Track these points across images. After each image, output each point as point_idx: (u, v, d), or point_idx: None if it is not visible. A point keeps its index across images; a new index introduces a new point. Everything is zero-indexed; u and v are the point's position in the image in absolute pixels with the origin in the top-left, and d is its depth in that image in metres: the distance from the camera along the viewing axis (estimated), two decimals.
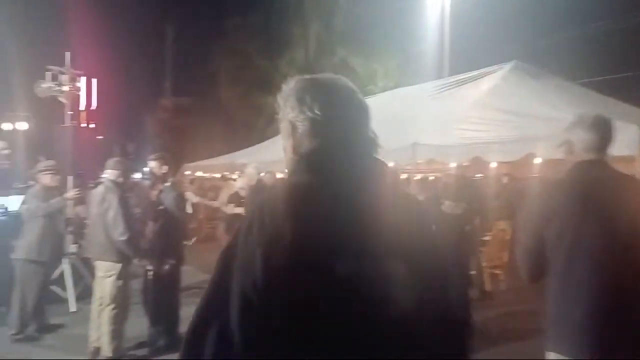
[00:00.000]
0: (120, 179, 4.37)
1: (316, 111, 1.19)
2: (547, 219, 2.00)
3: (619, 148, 2.25)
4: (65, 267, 5.81)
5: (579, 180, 2.05)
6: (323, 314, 1.04)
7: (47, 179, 4.99)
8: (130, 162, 4.75)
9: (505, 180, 8.94)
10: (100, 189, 4.38)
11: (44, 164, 5.29)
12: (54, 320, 5.29)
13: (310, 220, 1.07)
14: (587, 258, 1.93)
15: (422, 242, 1.17)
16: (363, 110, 1.31)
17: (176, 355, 3.82)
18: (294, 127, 1.25)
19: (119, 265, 4.21)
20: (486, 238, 7.23)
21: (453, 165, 6.74)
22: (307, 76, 1.31)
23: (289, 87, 1.30)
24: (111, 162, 4.48)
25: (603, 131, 2.06)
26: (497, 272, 7.06)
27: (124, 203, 4.22)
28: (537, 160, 6.01)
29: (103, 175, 4.88)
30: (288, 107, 1.27)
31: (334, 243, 1.06)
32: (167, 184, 4.72)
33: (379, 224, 1.08)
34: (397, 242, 1.09)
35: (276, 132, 14.36)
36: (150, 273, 4.48)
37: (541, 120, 5.75)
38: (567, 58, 13.08)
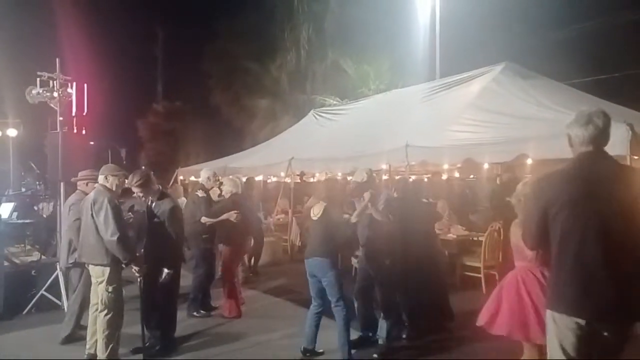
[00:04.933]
0: (110, 184, 4.37)
1: None
2: (549, 204, 2.34)
3: (609, 147, 2.38)
4: (59, 273, 5.78)
5: (575, 169, 2.36)
6: None
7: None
8: (122, 169, 4.74)
9: (498, 181, 8.98)
10: (92, 193, 4.40)
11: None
12: (49, 327, 5.24)
13: None
14: (581, 235, 2.26)
15: None
16: None
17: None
18: None
19: (108, 270, 4.21)
20: (481, 239, 7.26)
21: (446, 166, 6.78)
22: None
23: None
24: (103, 167, 4.50)
25: (596, 124, 2.32)
26: (493, 272, 7.09)
27: (115, 205, 4.23)
28: (529, 161, 6.05)
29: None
30: None
31: None
32: (157, 195, 4.70)
33: None
34: None
35: (268, 137, 14.39)
36: (139, 278, 4.46)
37: (532, 121, 5.81)
38: (557, 59, 13.20)
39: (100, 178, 4.42)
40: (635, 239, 2.24)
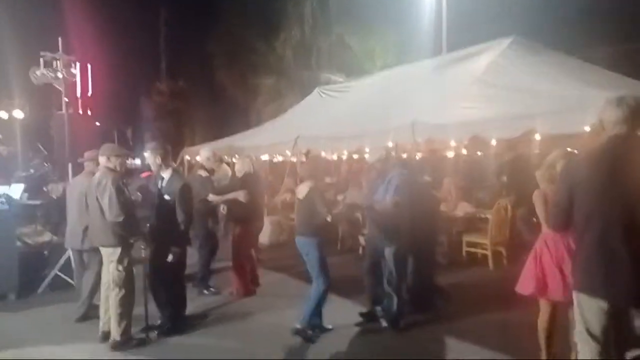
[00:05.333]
0: (113, 164, 4.38)
1: None
2: (576, 185, 2.37)
3: None
4: (71, 254, 5.87)
5: (604, 152, 2.34)
6: None
7: None
8: (124, 148, 4.74)
9: (506, 157, 8.91)
10: (96, 174, 4.42)
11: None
12: (63, 306, 5.35)
13: None
14: (606, 217, 2.26)
15: None
16: None
17: (183, 338, 3.89)
18: None
19: (118, 249, 4.27)
20: (488, 216, 7.27)
21: (453, 143, 6.73)
22: None
23: None
24: (103, 148, 4.49)
25: (629, 104, 2.32)
26: (500, 249, 7.13)
27: (118, 186, 4.25)
28: (537, 137, 5.99)
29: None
30: None
31: None
32: (169, 172, 4.69)
33: None
34: None
35: (273, 115, 14.30)
36: (146, 254, 4.53)
37: (541, 96, 5.71)
38: (566, 31, 12.91)
39: (102, 159, 4.42)
40: None
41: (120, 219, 4.17)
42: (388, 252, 4.63)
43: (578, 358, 2.48)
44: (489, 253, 7.01)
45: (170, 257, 4.47)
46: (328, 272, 4.47)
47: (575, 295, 2.45)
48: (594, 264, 2.32)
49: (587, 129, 4.38)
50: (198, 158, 11.32)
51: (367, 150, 8.50)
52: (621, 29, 14.31)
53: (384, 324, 4.70)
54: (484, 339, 4.29)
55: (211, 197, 5.80)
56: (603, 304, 2.28)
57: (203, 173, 6.04)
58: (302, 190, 4.51)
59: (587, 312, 2.35)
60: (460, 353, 4.14)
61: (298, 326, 4.42)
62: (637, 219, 2.21)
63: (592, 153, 2.42)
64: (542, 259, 3.43)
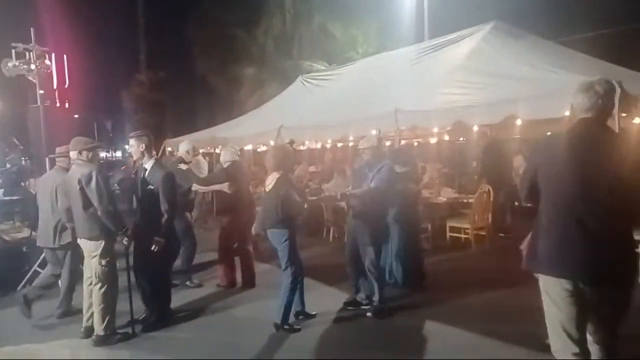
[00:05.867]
0: (85, 157, 4.28)
1: None
2: (541, 164, 2.45)
3: None
4: (46, 252, 5.74)
5: (569, 134, 2.39)
6: None
7: None
8: (103, 140, 4.65)
9: (481, 142, 8.96)
10: (75, 168, 4.29)
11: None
12: (45, 302, 5.25)
13: None
14: (564, 197, 2.32)
15: None
16: None
17: (168, 331, 3.85)
18: None
19: (101, 243, 4.19)
20: (470, 200, 7.35)
21: (436, 130, 6.74)
22: None
23: None
24: (73, 142, 4.37)
25: (596, 91, 2.33)
26: (482, 233, 7.21)
27: (104, 177, 4.20)
28: (519, 122, 6.04)
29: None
30: None
31: None
32: (151, 162, 4.61)
33: None
34: None
35: (256, 105, 14.15)
36: (130, 248, 4.46)
37: (522, 81, 5.75)
38: (545, 16, 13.00)
39: (73, 154, 4.31)
40: (620, 206, 2.26)
41: (111, 208, 4.11)
42: (368, 240, 4.63)
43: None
44: (471, 237, 7.10)
45: (153, 248, 4.40)
46: (298, 263, 4.43)
47: (541, 282, 2.42)
48: (550, 243, 2.35)
49: (567, 114, 4.43)
50: (179, 151, 11.20)
51: (351, 138, 8.49)
52: (599, 14, 14.46)
53: (368, 313, 4.71)
54: (469, 323, 4.33)
55: (196, 186, 5.79)
56: (567, 285, 2.29)
57: (183, 166, 5.99)
58: (269, 182, 4.46)
59: (554, 297, 2.34)
60: (445, 337, 4.18)
61: (277, 321, 4.40)
62: (595, 200, 2.25)
63: (558, 135, 2.50)
64: None
